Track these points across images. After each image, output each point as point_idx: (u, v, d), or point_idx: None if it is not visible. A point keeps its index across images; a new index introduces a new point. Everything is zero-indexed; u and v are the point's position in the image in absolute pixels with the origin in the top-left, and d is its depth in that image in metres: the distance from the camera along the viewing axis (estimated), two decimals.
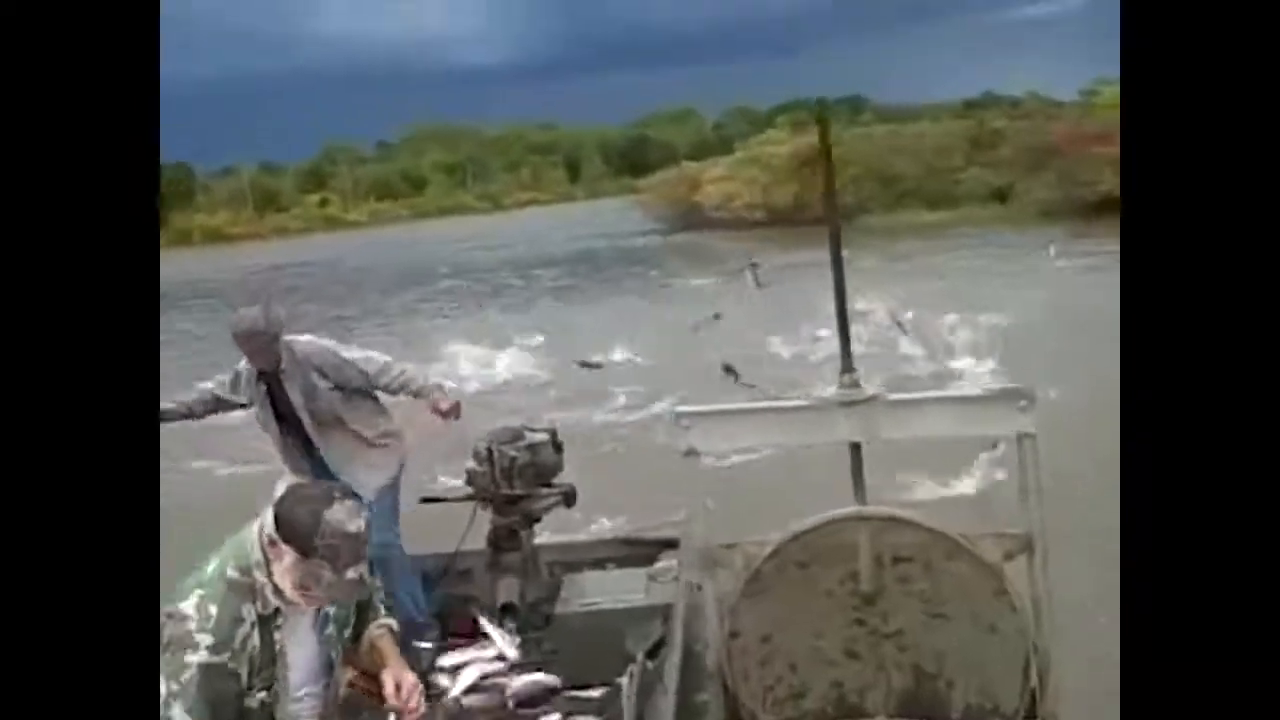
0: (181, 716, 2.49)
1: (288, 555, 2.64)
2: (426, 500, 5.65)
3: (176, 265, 41.50)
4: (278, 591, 2.70)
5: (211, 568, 2.70)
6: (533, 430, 5.84)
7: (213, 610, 2.61)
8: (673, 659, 4.40)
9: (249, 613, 2.67)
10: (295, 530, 2.62)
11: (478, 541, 5.68)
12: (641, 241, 38.42)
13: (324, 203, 76.78)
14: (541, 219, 56.60)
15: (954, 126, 34.06)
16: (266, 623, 2.70)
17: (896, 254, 26.90)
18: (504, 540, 5.70)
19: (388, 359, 5.46)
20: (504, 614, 5.51)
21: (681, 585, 5.16)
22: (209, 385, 5.49)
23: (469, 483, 5.70)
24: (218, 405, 5.50)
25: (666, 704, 4.16)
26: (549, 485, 5.75)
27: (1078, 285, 18.88)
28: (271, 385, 5.33)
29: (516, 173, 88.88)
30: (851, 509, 3.48)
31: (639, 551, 5.86)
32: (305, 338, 5.37)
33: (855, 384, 3.43)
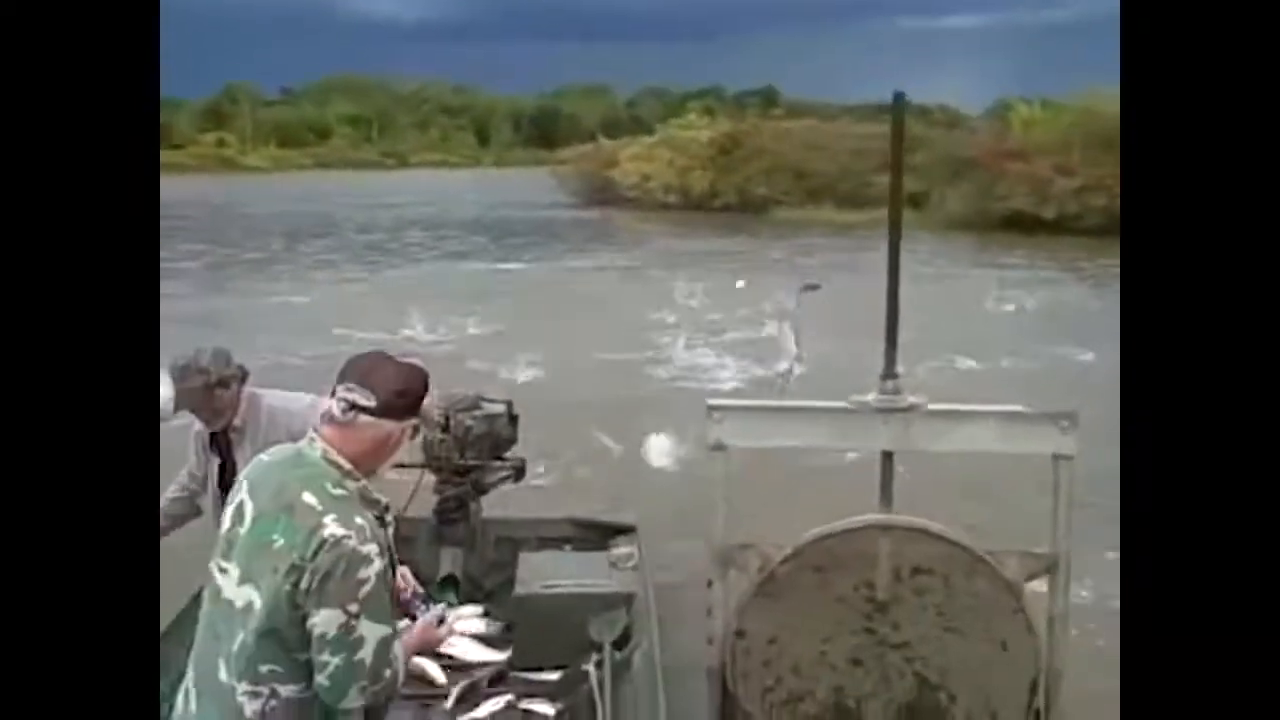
0: (373, 628, 2.42)
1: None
2: None
3: None
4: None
5: (309, 495, 2.45)
6: (490, 401, 5.68)
7: (359, 521, 2.45)
8: (648, 651, 4.28)
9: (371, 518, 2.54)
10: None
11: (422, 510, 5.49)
12: (554, 214, 38.11)
13: (221, 143, 74.72)
14: (450, 181, 55.79)
15: (873, 129, 34.48)
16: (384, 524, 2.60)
17: (805, 249, 27.15)
18: (451, 511, 5.54)
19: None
20: (443, 586, 5.33)
21: (644, 574, 5.05)
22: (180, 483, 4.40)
23: (423, 449, 5.51)
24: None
25: (644, 697, 4.05)
26: (501, 459, 5.60)
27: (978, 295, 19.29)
28: (220, 444, 4.22)
29: (425, 132, 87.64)
30: (876, 516, 3.39)
31: (591, 534, 5.73)
32: (277, 393, 4.26)
33: (896, 391, 3.33)
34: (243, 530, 2.50)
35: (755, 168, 39.00)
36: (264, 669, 2.44)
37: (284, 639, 2.43)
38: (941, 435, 3.39)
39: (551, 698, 4.43)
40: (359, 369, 2.54)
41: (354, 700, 2.48)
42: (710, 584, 3.42)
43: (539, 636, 4.70)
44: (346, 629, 2.40)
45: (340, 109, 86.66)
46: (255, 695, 2.44)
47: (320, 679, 2.44)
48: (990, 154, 33.61)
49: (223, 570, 2.51)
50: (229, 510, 2.57)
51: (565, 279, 21.96)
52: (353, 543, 2.40)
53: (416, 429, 2.61)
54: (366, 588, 2.41)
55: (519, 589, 4.92)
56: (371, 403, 2.49)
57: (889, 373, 3.36)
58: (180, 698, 2.58)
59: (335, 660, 2.41)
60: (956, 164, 34.26)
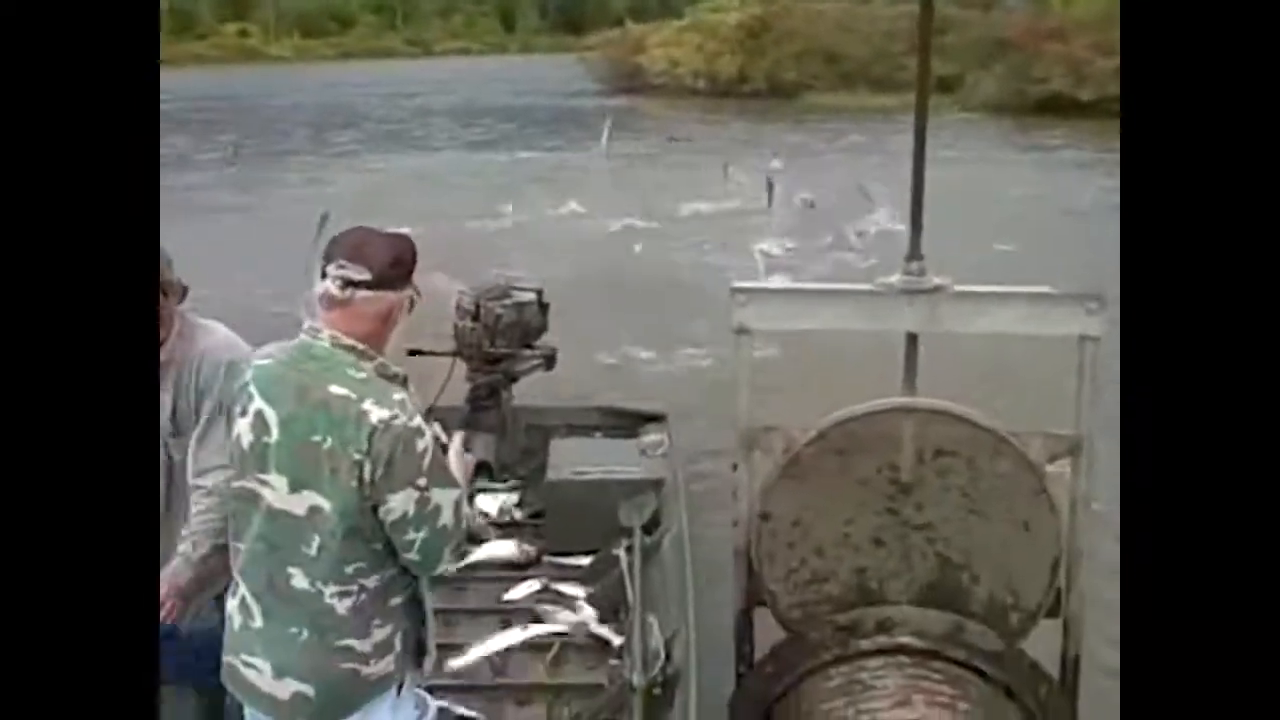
0: (444, 493, 2.47)
1: None
2: (412, 353, 5.49)
3: None
4: None
5: (336, 387, 2.42)
6: (520, 289, 5.72)
7: (396, 396, 2.45)
8: (677, 535, 4.36)
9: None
10: None
11: (454, 398, 5.56)
12: (580, 102, 37.61)
13: (244, 33, 73.82)
14: (475, 69, 55.04)
15: (907, 10, 33.61)
16: None
17: (835, 133, 26.76)
18: (483, 398, 5.62)
19: None
20: (477, 472, 5.43)
21: (674, 460, 5.12)
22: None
23: (454, 337, 5.57)
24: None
25: (671, 580, 4.14)
26: (531, 346, 5.65)
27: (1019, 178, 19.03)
28: None
29: (449, 19, 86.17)
30: (900, 399, 3.42)
31: (621, 422, 5.80)
32: (222, 331, 3.17)
33: (921, 272, 3.32)
34: (273, 438, 2.46)
35: (785, 51, 38.24)
36: (349, 569, 2.45)
37: (363, 534, 2.44)
38: (967, 317, 3.39)
39: (582, 581, 4.56)
40: (348, 245, 2.48)
41: (445, 564, 2.54)
42: (735, 467, 3.47)
43: (570, 522, 4.81)
44: (422, 503, 2.42)
45: None
46: (345, 594, 2.46)
47: (410, 556, 2.47)
48: (1027, 34, 32.71)
49: (262, 483, 2.48)
50: (243, 421, 2.50)
51: (593, 166, 21.75)
52: (401, 420, 2.39)
53: (413, 301, 2.56)
54: (427, 458, 2.43)
55: (550, 475, 5.02)
56: (367, 275, 2.44)
57: (914, 254, 3.35)
58: (233, 610, 2.60)
59: (420, 535, 2.44)
60: (991, 45, 33.44)
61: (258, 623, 2.53)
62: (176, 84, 40.58)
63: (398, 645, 2.54)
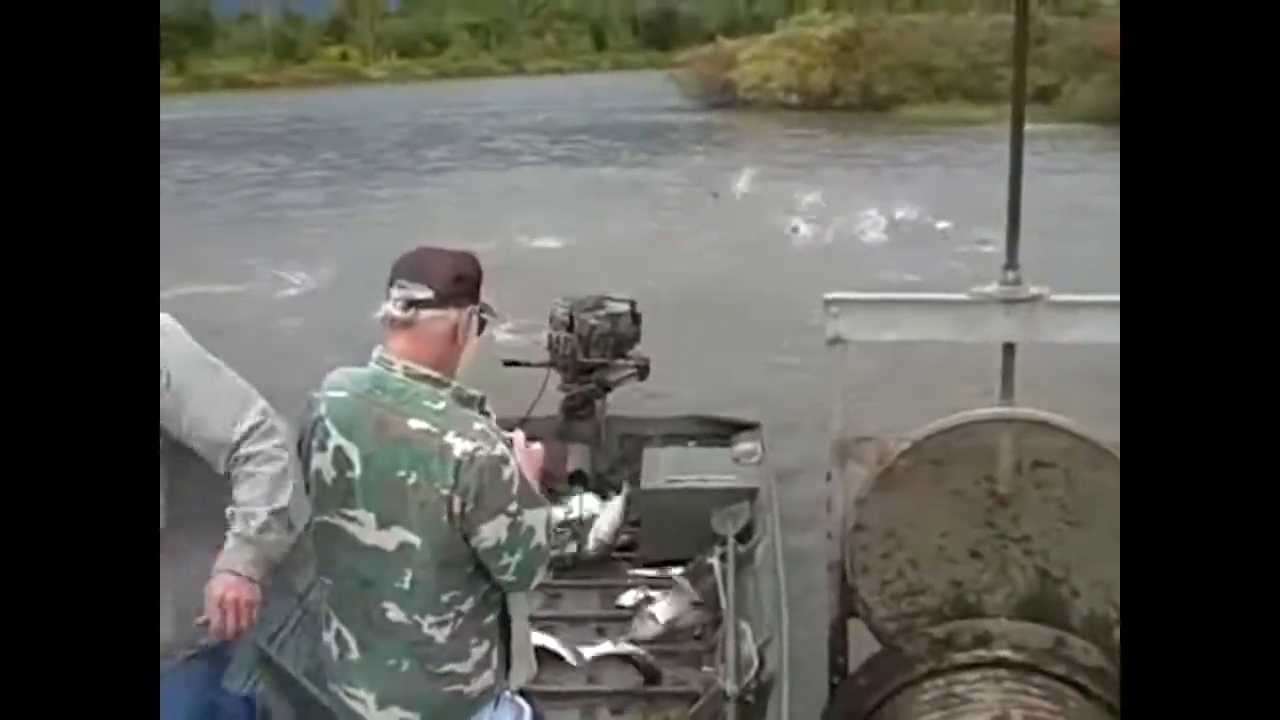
0: (534, 514, 2.45)
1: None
2: (508, 363, 5.56)
3: (193, 111, 41.01)
4: None
5: (415, 421, 2.39)
6: (613, 300, 5.77)
7: (477, 426, 2.42)
8: (770, 544, 4.35)
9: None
10: None
11: (548, 408, 5.62)
12: (672, 118, 37.73)
13: (344, 56, 75.52)
14: (567, 87, 55.56)
15: (1003, 20, 33.16)
16: None
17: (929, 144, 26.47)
18: (577, 408, 5.68)
19: (262, 417, 2.79)
20: (573, 481, 5.48)
21: (767, 469, 5.11)
22: None
23: (548, 348, 5.64)
24: None
25: (765, 589, 4.12)
26: (624, 356, 5.70)
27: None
28: None
29: (541, 38, 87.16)
30: (998, 409, 3.37)
31: (715, 430, 5.81)
32: (168, 321, 2.72)
33: (1018, 281, 3.28)
34: (355, 474, 2.42)
35: (879, 64, 38.00)
36: (445, 598, 2.44)
37: (455, 563, 2.42)
38: (1065, 326, 3.33)
39: (678, 590, 4.57)
40: (408, 265, 2.45)
41: (539, 580, 2.54)
42: (829, 477, 3.45)
43: (664, 530, 4.84)
44: (514, 528, 2.40)
45: (458, 17, 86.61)
46: (442, 623, 2.44)
47: (505, 578, 2.46)
48: None
49: (349, 519, 2.45)
50: (322, 457, 2.47)
51: (682, 182, 21.81)
52: (485, 450, 2.36)
53: (483, 321, 2.52)
54: (515, 484, 2.40)
55: (644, 484, 5.04)
56: (429, 294, 2.41)
57: (1011, 263, 3.31)
58: (330, 641, 2.59)
59: (515, 559, 2.43)
60: (1090, 54, 32.81)
61: (355, 655, 2.52)
62: (279, 106, 41.70)
63: (494, 660, 2.55)
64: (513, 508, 2.39)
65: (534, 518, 2.44)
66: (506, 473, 2.39)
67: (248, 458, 2.72)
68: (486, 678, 2.54)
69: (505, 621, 2.59)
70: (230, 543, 2.68)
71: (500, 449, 2.39)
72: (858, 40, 38.68)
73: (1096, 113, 30.48)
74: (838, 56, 38.24)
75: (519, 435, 2.57)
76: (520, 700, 2.81)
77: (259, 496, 2.70)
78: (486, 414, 2.51)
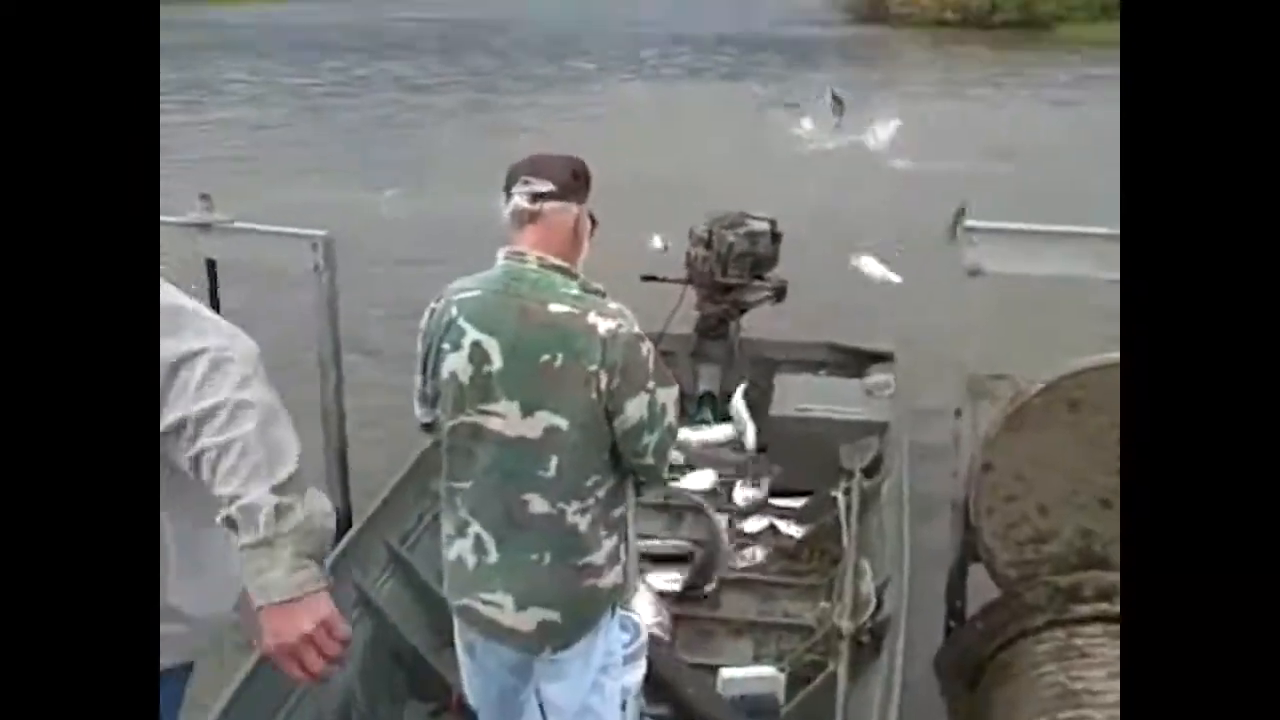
0: (666, 392, 2.50)
1: None
2: (646, 278, 5.53)
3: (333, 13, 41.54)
4: None
5: (555, 305, 2.46)
6: (754, 218, 5.66)
7: (612, 305, 2.52)
8: (898, 481, 4.29)
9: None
10: None
11: (683, 327, 5.60)
12: (823, 32, 36.81)
13: None
14: None
15: None
16: None
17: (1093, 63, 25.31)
18: (711, 328, 5.64)
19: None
20: (702, 402, 5.46)
21: (899, 404, 5.03)
22: None
23: (686, 264, 5.60)
24: None
25: (889, 527, 4.07)
26: (762, 278, 5.61)
27: None
28: None
29: None
30: None
31: (847, 359, 5.71)
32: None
33: None
34: (495, 366, 2.46)
35: None
36: (589, 481, 2.48)
37: (600, 445, 2.47)
38: None
39: (799, 520, 4.55)
40: (525, 167, 2.55)
41: (669, 463, 2.61)
42: (958, 413, 3.37)
43: (791, 459, 4.80)
44: (652, 405, 2.46)
45: None
46: (584, 510, 2.48)
47: (644, 460, 2.51)
48: None
49: (489, 414, 2.47)
50: (456, 356, 2.49)
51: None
52: (626, 328, 2.44)
53: (594, 221, 2.61)
54: (651, 359, 2.48)
55: (774, 411, 5.01)
56: (551, 186, 2.51)
57: None
58: (464, 551, 2.58)
59: (653, 438, 2.49)
60: None
61: (493, 557, 2.53)
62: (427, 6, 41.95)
63: (622, 555, 2.59)
64: (651, 385, 2.47)
65: (667, 396, 2.51)
66: (644, 349, 2.47)
67: (202, 420, 1.84)
68: (616, 573, 2.57)
69: (626, 526, 2.64)
70: (246, 560, 1.83)
71: (638, 328, 2.48)
72: None
73: None
74: None
75: None
76: (635, 616, 2.85)
77: (248, 474, 1.82)
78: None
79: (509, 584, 2.53)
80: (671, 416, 2.53)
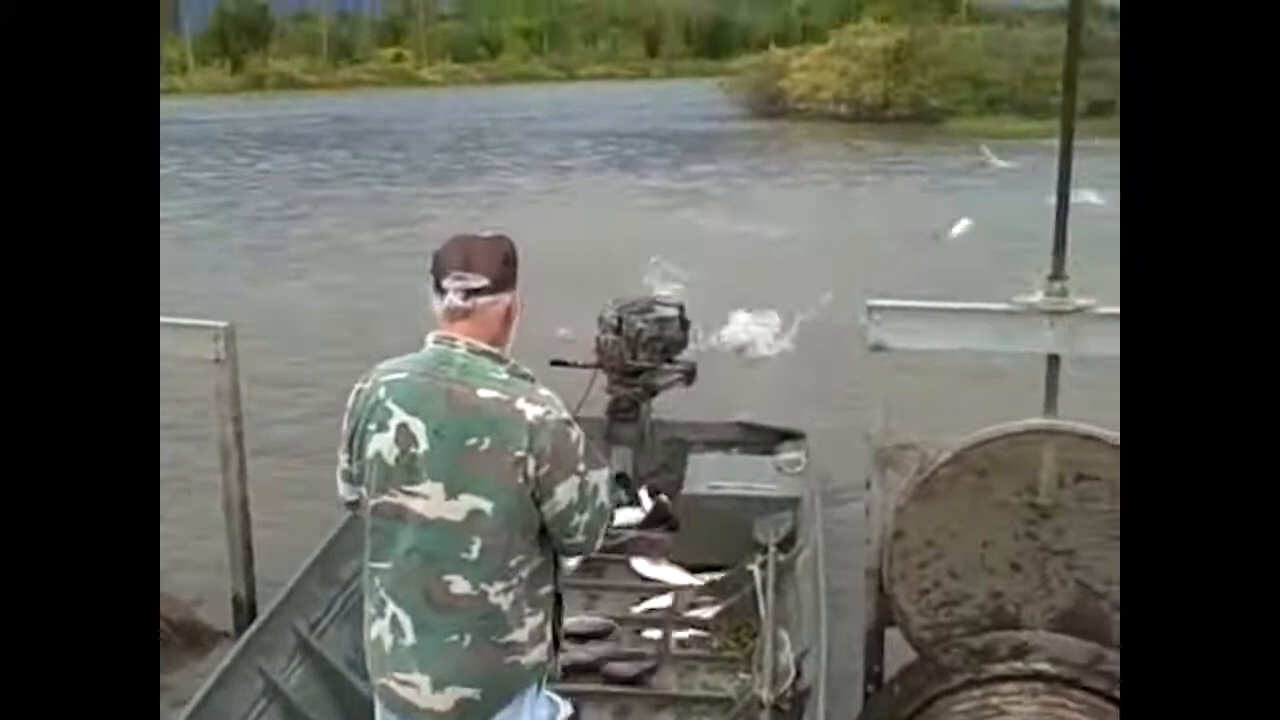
0: (597, 474, 2.53)
1: None
2: (555, 363, 5.59)
3: (251, 111, 41.53)
4: None
5: (484, 390, 2.47)
6: (662, 304, 5.80)
7: (542, 392, 2.54)
8: (812, 554, 4.35)
9: None
10: None
11: (594, 411, 5.64)
12: (721, 126, 37.75)
13: (399, 58, 76.08)
14: (619, 93, 55.71)
15: (1059, 33, 32.77)
16: None
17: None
18: (622, 411, 5.70)
19: None
20: (614, 484, 5.48)
21: (810, 479, 5.11)
22: None
23: (596, 350, 5.67)
24: None
25: (805, 598, 4.12)
26: (672, 361, 5.71)
27: None
28: None
29: (594, 44, 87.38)
30: (1042, 420, 3.37)
31: (758, 437, 5.81)
32: None
33: (1064, 291, 3.27)
34: (421, 448, 2.47)
35: (931, 76, 37.72)
36: (513, 562, 2.49)
37: (526, 526, 2.48)
38: (1111, 338, 3.32)
39: (715, 596, 4.58)
40: (456, 257, 2.52)
41: (600, 540, 2.63)
42: (869, 485, 3.46)
43: (705, 536, 4.84)
44: (583, 488, 2.49)
45: (512, 22, 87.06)
46: (508, 589, 2.49)
47: (575, 540, 2.55)
48: None
49: (413, 494, 2.48)
50: (383, 437, 2.50)
51: (730, 190, 21.85)
52: (554, 414, 2.46)
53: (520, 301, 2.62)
54: (581, 444, 2.50)
55: (687, 489, 5.06)
56: (485, 281, 2.50)
57: (1057, 274, 3.30)
58: (381, 631, 2.57)
59: (584, 518, 2.52)
60: None
61: (410, 639, 2.53)
62: (329, 106, 42.13)
63: (547, 633, 2.60)
64: (581, 468, 2.49)
65: (598, 477, 2.54)
66: (574, 434, 2.49)
67: None
68: (540, 651, 2.58)
69: (555, 600, 2.64)
70: None
71: (565, 412, 2.51)
72: (910, 52, 38.40)
73: None
74: (890, 68, 38.00)
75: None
76: (556, 696, 2.83)
77: None
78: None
79: (426, 665, 2.52)
80: (604, 496, 2.56)
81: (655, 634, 4.34)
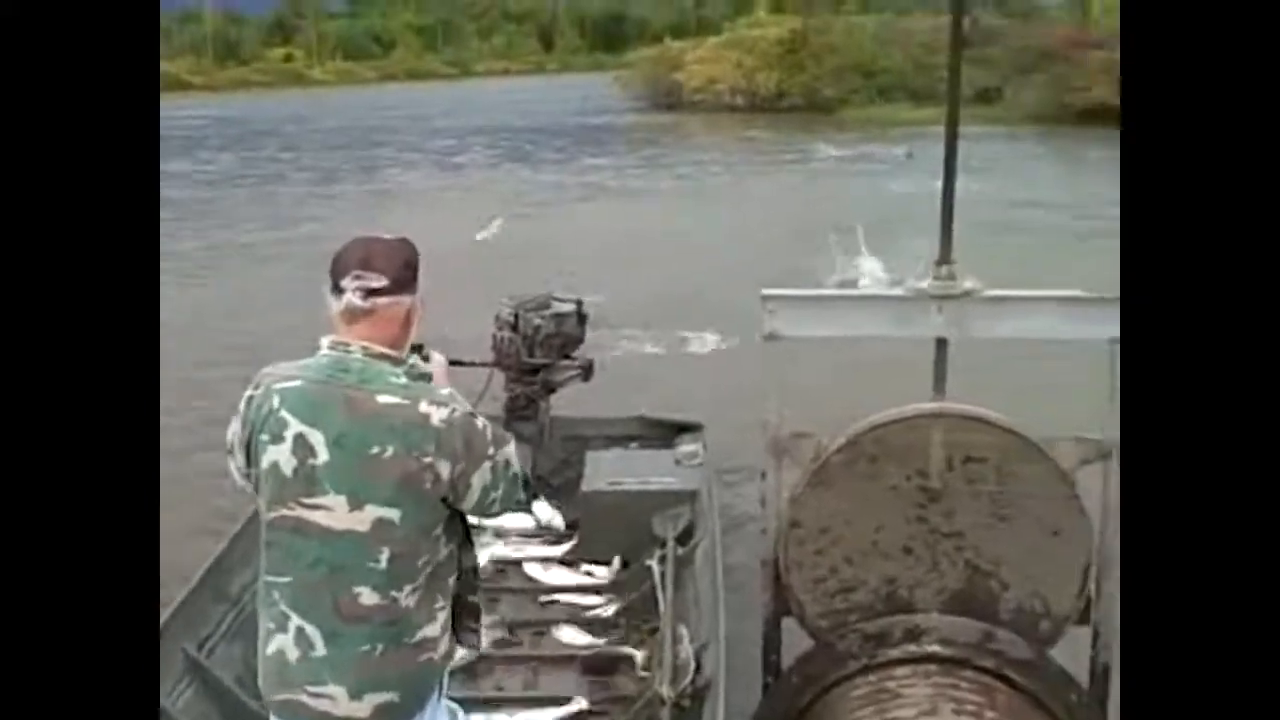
0: (504, 451, 2.53)
1: None
2: (452, 363, 5.51)
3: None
4: None
5: (383, 396, 2.42)
6: (560, 300, 5.75)
7: (443, 391, 2.53)
8: (710, 546, 4.36)
9: None
10: None
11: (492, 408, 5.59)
12: (617, 119, 37.78)
13: (289, 58, 74.71)
14: (514, 89, 55.44)
15: (945, 22, 33.37)
16: None
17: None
18: (520, 409, 5.66)
19: None
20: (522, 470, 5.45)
21: (708, 471, 5.13)
22: None
23: (493, 347, 5.61)
24: None
25: (703, 592, 4.13)
26: (569, 357, 5.68)
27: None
28: None
29: (489, 39, 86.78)
30: (931, 404, 3.41)
31: (658, 432, 5.82)
32: None
33: (951, 276, 3.31)
34: (320, 459, 2.41)
35: (824, 66, 38.25)
36: (420, 562, 2.46)
37: (433, 525, 2.47)
38: (997, 321, 3.38)
39: (615, 592, 4.57)
40: (355, 257, 2.45)
41: (518, 497, 2.64)
42: (764, 475, 3.46)
43: (604, 532, 4.83)
44: (494, 468, 2.49)
45: (405, 19, 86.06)
46: (415, 589, 2.45)
47: (492, 512, 2.60)
48: (1069, 43, 32.64)
49: (313, 507, 2.42)
50: (279, 449, 2.43)
51: (625, 183, 21.90)
52: (458, 411, 2.44)
53: (423, 303, 2.57)
54: (487, 430, 2.49)
55: (585, 486, 5.04)
56: (385, 281, 2.43)
57: (944, 258, 3.34)
58: (285, 645, 2.49)
59: (499, 493, 2.53)
60: (1034, 55, 33.29)
61: (320, 651, 2.46)
62: (217, 107, 41.22)
63: (449, 624, 2.57)
64: (491, 451, 2.49)
65: (506, 453, 2.54)
66: (479, 424, 2.48)
67: None
68: (449, 640, 2.56)
69: (468, 582, 2.63)
70: None
71: (465, 404, 2.49)
72: (803, 42, 38.89)
73: (1038, 113, 30.97)
74: (784, 59, 38.45)
75: (437, 355, 2.68)
76: (454, 705, 2.80)
77: None
78: None
79: (340, 675, 2.46)
80: (516, 466, 2.57)
81: (555, 634, 4.32)
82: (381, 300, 2.44)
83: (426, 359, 2.64)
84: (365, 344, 2.45)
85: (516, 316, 5.59)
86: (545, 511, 5.25)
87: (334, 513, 2.41)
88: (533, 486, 5.39)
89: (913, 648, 3.24)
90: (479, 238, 15.22)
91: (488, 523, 4.97)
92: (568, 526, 5.13)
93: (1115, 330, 3.22)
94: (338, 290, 2.45)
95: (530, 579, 4.79)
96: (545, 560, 4.90)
